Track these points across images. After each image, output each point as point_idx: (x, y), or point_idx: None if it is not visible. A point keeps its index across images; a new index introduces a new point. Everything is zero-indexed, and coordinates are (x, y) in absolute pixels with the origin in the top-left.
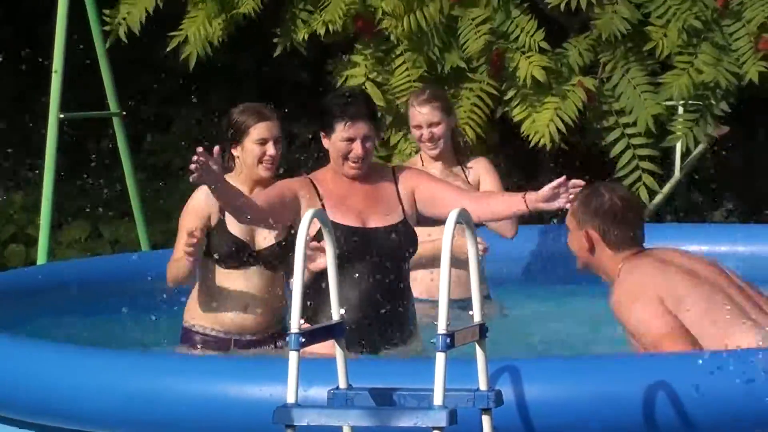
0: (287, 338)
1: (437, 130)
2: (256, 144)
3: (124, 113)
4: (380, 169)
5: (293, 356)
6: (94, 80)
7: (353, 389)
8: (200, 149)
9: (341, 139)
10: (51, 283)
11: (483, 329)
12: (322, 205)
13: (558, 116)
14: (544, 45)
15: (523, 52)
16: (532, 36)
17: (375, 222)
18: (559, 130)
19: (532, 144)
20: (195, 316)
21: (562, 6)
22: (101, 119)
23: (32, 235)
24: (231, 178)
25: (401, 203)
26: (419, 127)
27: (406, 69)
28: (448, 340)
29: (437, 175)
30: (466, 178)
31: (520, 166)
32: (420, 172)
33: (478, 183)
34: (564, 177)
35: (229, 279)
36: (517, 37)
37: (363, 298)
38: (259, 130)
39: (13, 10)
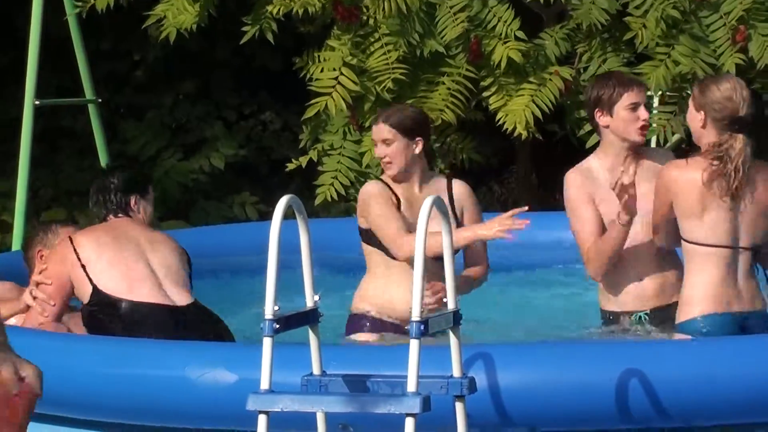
0: (261, 324)
1: None
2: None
3: (100, 100)
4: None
5: (267, 342)
6: (70, 67)
7: (327, 375)
8: None
9: None
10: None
11: (457, 316)
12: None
13: (534, 103)
14: (520, 34)
15: (500, 40)
16: (509, 25)
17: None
18: (536, 119)
19: (508, 131)
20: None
21: None
22: (77, 106)
23: (8, 222)
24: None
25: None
26: None
27: (384, 53)
28: (422, 327)
29: None
30: None
31: (499, 152)
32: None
33: None
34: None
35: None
36: (494, 26)
37: None
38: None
39: None
